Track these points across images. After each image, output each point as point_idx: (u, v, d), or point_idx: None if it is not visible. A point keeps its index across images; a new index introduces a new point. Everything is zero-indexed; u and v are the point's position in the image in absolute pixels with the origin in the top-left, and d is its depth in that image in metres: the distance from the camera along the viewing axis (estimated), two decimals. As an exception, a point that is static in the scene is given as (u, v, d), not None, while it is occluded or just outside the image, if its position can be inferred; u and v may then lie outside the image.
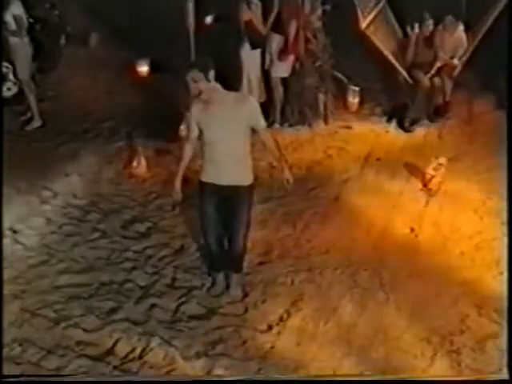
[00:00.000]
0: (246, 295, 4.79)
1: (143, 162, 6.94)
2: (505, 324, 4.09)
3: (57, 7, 15.25)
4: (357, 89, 8.86)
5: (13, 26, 7.69)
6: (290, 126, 8.25)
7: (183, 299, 4.75)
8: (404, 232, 5.78)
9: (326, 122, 8.40)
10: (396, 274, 5.07)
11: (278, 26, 7.72)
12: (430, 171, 6.53)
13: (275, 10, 7.71)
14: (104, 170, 7.03)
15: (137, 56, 10.16)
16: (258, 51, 7.93)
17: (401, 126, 8.36)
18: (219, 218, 4.59)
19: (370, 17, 7.96)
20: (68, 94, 9.18)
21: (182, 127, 7.79)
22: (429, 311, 4.62)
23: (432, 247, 5.51)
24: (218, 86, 4.31)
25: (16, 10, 7.72)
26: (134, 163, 6.93)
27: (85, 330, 4.36)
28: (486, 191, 6.47)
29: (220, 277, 4.86)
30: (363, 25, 7.87)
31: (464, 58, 8.49)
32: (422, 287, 4.90)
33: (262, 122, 4.41)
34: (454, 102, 8.87)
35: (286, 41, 7.71)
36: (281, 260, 5.30)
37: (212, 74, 4.23)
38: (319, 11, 7.99)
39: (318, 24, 8.02)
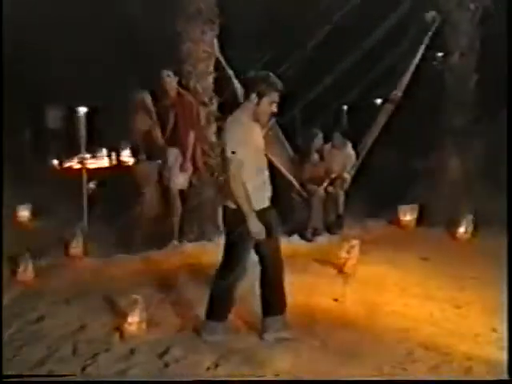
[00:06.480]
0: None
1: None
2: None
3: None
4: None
5: None
6: (190, 241, 7.82)
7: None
8: (328, 301, 5.40)
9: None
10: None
11: (175, 139, 7.63)
12: (343, 254, 6.35)
13: (172, 122, 7.64)
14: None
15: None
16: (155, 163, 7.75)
17: (302, 237, 8.22)
18: None
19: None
20: None
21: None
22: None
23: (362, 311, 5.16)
24: None
25: None
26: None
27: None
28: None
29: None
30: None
31: (353, 172, 8.78)
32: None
33: None
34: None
35: (184, 153, 7.59)
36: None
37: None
38: (214, 126, 8.06)
39: (213, 138, 8.05)
